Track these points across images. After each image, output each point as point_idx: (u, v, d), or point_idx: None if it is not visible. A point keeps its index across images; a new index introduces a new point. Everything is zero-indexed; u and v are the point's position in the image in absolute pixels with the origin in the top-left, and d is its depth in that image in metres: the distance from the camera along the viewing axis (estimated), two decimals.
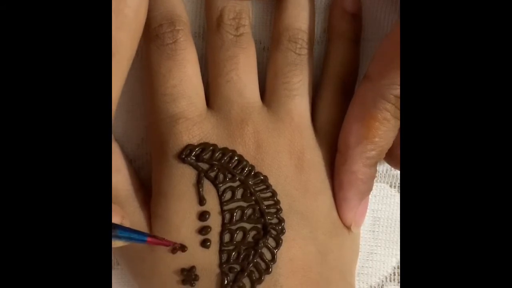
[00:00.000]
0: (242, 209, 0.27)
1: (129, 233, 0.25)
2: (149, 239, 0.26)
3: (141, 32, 0.26)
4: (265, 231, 0.26)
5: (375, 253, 0.32)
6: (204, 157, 0.27)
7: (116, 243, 0.24)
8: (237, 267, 0.26)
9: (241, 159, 0.27)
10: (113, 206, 0.24)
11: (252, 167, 0.27)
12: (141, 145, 0.31)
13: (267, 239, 0.26)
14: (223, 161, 0.27)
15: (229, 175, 0.27)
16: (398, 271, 0.32)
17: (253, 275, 0.26)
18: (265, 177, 0.27)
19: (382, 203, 0.32)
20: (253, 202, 0.27)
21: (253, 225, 0.27)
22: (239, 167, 0.27)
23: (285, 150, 0.28)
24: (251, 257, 0.26)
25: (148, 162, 0.31)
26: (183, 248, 0.26)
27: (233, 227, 0.27)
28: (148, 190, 0.29)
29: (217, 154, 0.27)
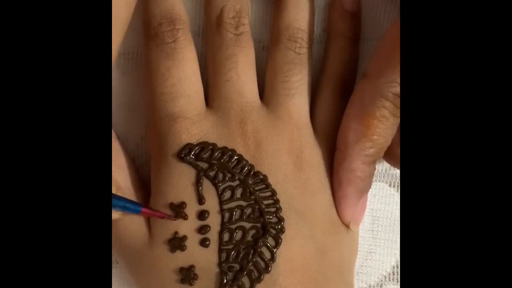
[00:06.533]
0: (241, 208, 0.27)
1: (123, 202, 0.25)
2: (143, 209, 0.26)
3: None
4: (264, 230, 0.26)
5: (374, 252, 0.32)
6: (203, 156, 0.27)
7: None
8: (237, 266, 0.26)
9: (240, 158, 0.27)
10: None
11: (252, 166, 0.27)
12: (140, 144, 0.31)
13: (267, 238, 0.26)
14: (222, 160, 0.27)
15: (229, 174, 0.27)
16: (397, 270, 0.32)
17: (253, 274, 0.26)
18: (265, 176, 0.27)
19: (381, 203, 0.32)
20: (252, 201, 0.27)
21: (252, 224, 0.27)
22: (239, 166, 0.27)
23: (284, 149, 0.28)
24: (250, 256, 0.26)
25: (148, 161, 0.31)
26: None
27: (233, 226, 0.27)
28: (147, 189, 0.29)
29: (216, 153, 0.27)
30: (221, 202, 0.27)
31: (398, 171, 0.31)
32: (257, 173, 0.27)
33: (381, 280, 0.32)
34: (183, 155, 0.27)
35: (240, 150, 0.27)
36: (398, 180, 0.32)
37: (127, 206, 0.26)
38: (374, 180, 0.29)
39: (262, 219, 0.27)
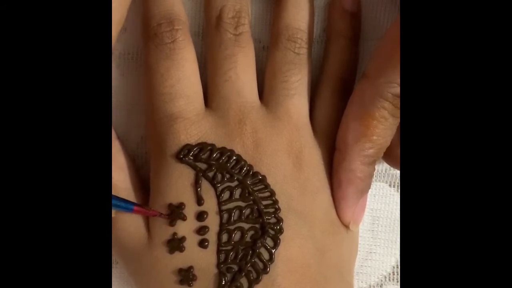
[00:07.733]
0: (240, 209, 0.27)
1: (116, 200, 0.25)
2: (135, 208, 0.26)
3: None
4: (263, 230, 0.26)
5: (374, 252, 0.31)
6: (202, 156, 0.27)
7: None
8: (235, 267, 0.26)
9: (239, 158, 0.27)
10: None
11: (250, 166, 0.27)
12: (140, 144, 0.31)
13: (265, 239, 0.26)
14: (221, 161, 0.27)
15: (227, 175, 0.27)
16: (397, 270, 0.32)
17: (251, 275, 0.26)
18: (264, 176, 0.27)
19: (381, 203, 0.32)
20: (251, 202, 0.27)
21: (251, 225, 0.27)
22: (237, 166, 0.27)
23: (284, 149, 0.28)
24: (249, 257, 0.26)
25: (148, 161, 0.31)
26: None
27: (231, 227, 0.26)
28: (147, 189, 0.29)
29: (215, 154, 0.27)
30: (219, 203, 0.27)
31: (398, 171, 0.31)
32: (256, 174, 0.27)
33: (381, 280, 0.32)
34: (182, 156, 0.27)
35: (239, 150, 0.27)
36: (398, 180, 0.31)
37: (119, 204, 0.26)
38: (374, 180, 0.29)
39: (260, 220, 0.27)
